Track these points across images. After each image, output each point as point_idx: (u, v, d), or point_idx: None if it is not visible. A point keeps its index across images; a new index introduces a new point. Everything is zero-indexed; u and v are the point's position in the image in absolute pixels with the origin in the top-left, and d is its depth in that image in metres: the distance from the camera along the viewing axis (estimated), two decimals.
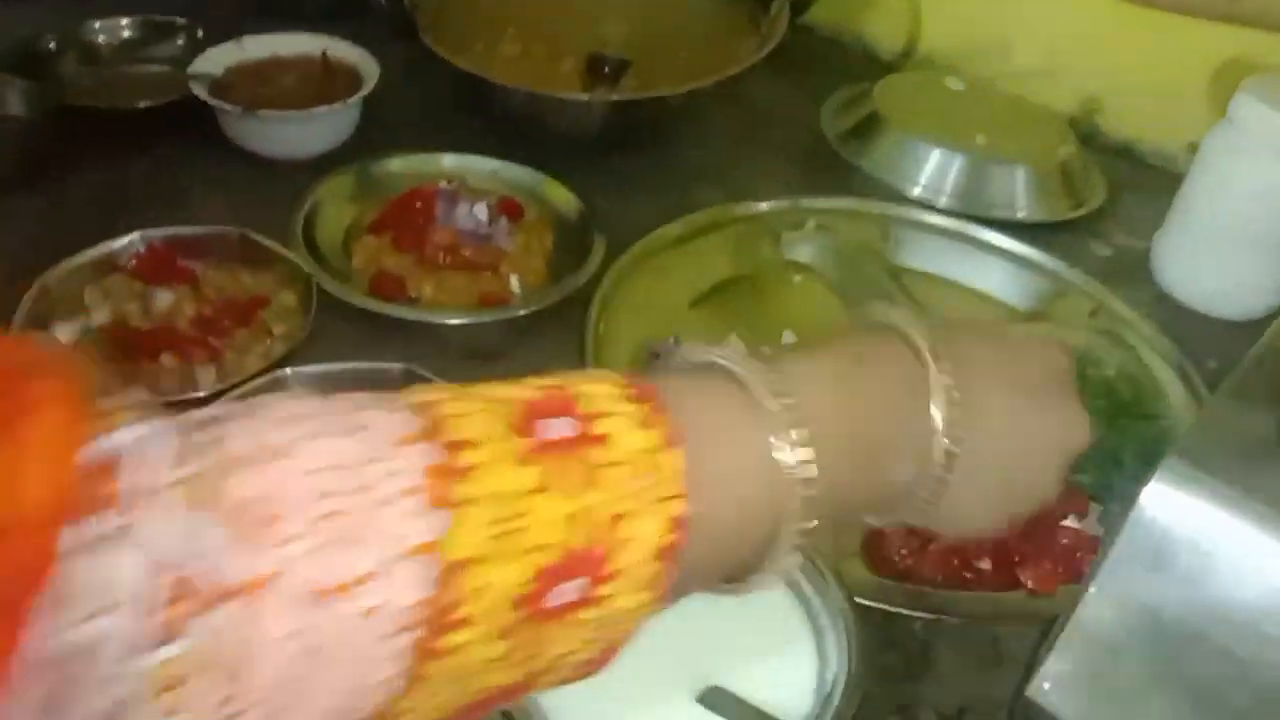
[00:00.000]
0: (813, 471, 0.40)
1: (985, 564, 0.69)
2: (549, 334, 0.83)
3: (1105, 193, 1.07)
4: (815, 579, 0.61)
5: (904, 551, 0.69)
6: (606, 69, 0.92)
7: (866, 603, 0.64)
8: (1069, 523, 0.71)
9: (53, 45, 1.03)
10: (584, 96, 0.93)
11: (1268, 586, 0.46)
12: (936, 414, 0.44)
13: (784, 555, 0.41)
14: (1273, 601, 0.46)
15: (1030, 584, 0.68)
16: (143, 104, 0.97)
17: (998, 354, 0.49)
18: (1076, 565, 0.69)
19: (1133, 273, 0.98)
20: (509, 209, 0.88)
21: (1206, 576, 0.48)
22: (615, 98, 0.94)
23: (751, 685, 0.58)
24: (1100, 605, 0.51)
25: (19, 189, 0.92)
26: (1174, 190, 0.96)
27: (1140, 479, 0.73)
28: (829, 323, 0.90)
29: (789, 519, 0.40)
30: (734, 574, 0.43)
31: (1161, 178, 1.11)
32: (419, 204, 0.86)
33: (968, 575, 0.68)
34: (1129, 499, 0.50)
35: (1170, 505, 0.49)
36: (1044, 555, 0.69)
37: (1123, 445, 0.77)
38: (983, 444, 0.46)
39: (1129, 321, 0.91)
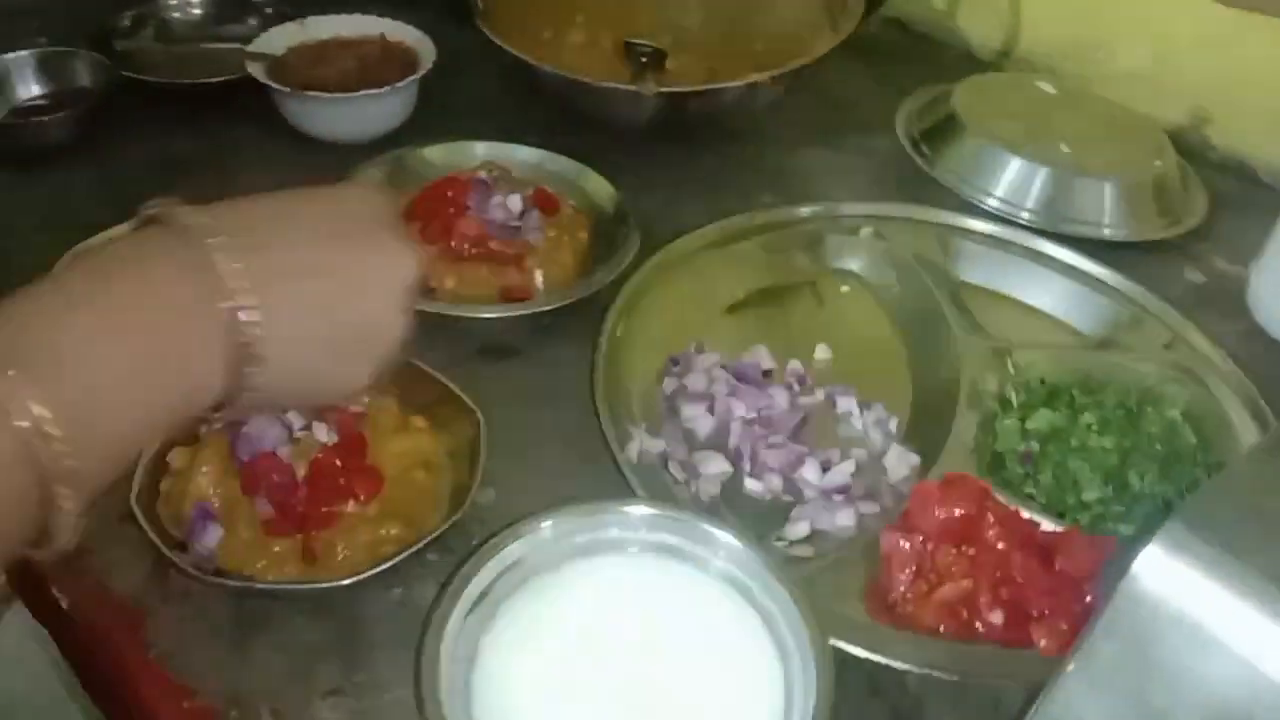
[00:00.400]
0: (55, 431, 0.38)
1: (997, 617, 0.63)
2: (570, 332, 0.80)
3: (1205, 212, 0.97)
4: (792, 617, 0.57)
5: (908, 596, 0.64)
6: (644, 59, 0.88)
7: (854, 651, 0.59)
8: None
9: (128, 21, 1.05)
10: (630, 87, 0.89)
11: (1262, 679, 0.40)
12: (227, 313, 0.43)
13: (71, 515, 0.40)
14: (1268, 697, 0.40)
15: (1043, 643, 0.61)
16: (202, 80, 0.98)
17: (289, 221, 0.48)
18: None
19: (1225, 302, 0.90)
20: (543, 202, 0.86)
21: (1197, 661, 0.42)
22: (665, 89, 0.90)
23: None
24: (1079, 686, 0.45)
25: (78, 157, 0.94)
26: None
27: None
28: (871, 338, 0.85)
29: (55, 482, 0.39)
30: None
31: (1272, 198, 1.01)
32: (450, 193, 0.84)
33: (974, 627, 0.63)
34: (1125, 564, 0.44)
35: (1164, 576, 0.43)
36: (1063, 614, 0.62)
37: (1176, 495, 0.70)
38: (294, 316, 0.46)
39: (1208, 357, 0.82)
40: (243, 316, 0.44)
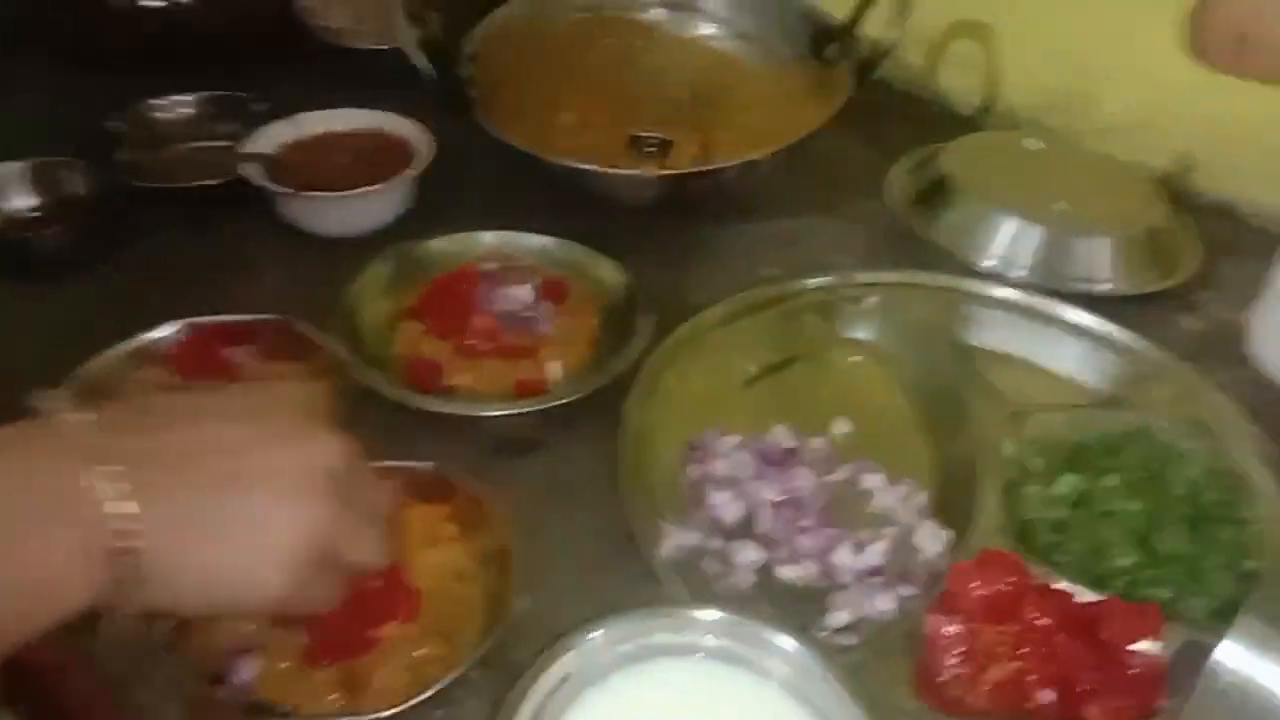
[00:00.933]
0: None
1: (1049, 696, 0.63)
2: (587, 423, 0.80)
3: (1200, 259, 0.99)
4: (847, 709, 0.56)
5: (957, 680, 0.63)
6: (651, 149, 0.89)
7: None
8: (1141, 646, 0.64)
9: (116, 124, 1.04)
10: (635, 172, 0.90)
11: None
12: (104, 509, 0.40)
13: None
14: None
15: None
16: (198, 183, 0.97)
17: (188, 418, 0.46)
18: (1150, 698, 0.62)
19: (1227, 349, 0.91)
20: (552, 291, 0.86)
21: None
22: (668, 173, 0.90)
23: None
24: None
25: (77, 268, 0.93)
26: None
27: (1226, 596, 0.68)
28: (887, 409, 0.85)
29: None
30: None
31: (1265, 240, 1.03)
32: (459, 287, 0.84)
33: (1026, 709, 0.62)
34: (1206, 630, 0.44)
35: (1245, 665, 0.43)
36: (1113, 688, 0.62)
37: (1205, 556, 0.70)
38: (195, 509, 0.43)
39: (1218, 408, 0.83)
40: (116, 525, 0.41)
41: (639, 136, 0.90)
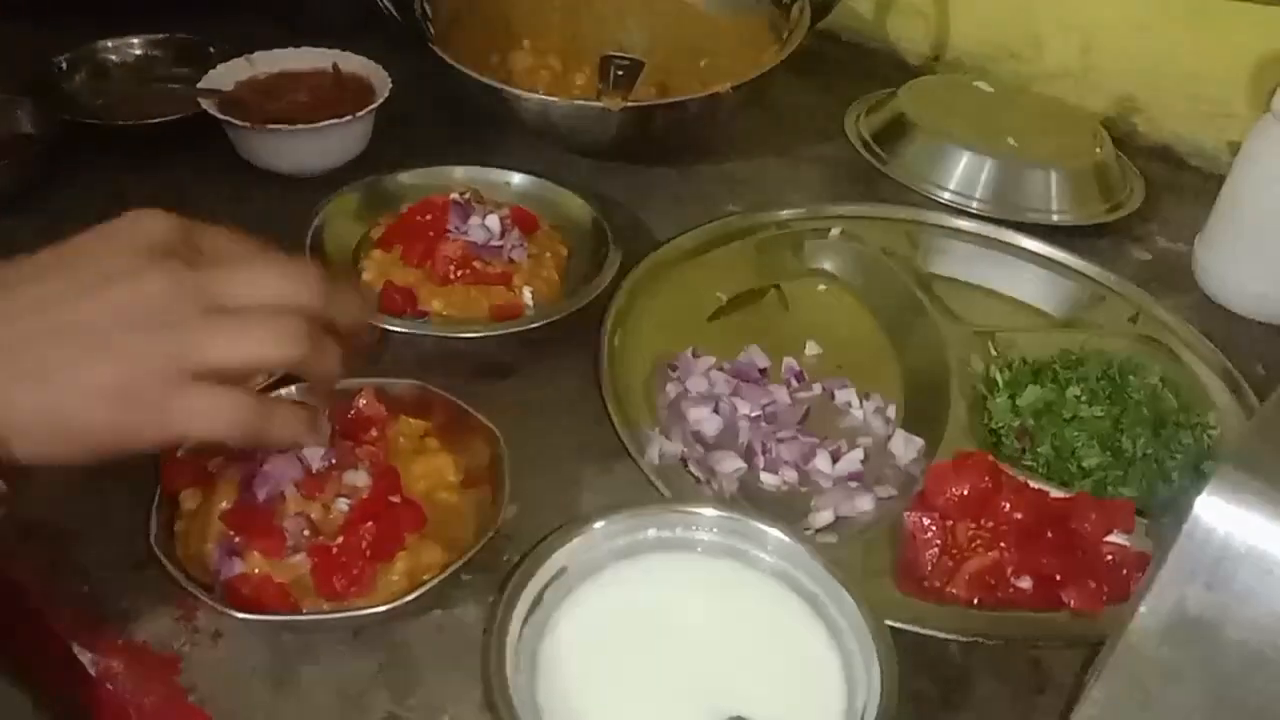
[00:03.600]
0: None
1: (1025, 583, 0.65)
2: (562, 347, 0.80)
3: (1143, 195, 1.03)
4: (841, 599, 0.58)
5: (937, 572, 0.65)
6: (620, 72, 0.89)
7: (898, 625, 0.61)
8: (1114, 538, 0.67)
9: (64, 65, 1.02)
10: (598, 103, 0.90)
11: None
12: None
13: None
14: None
15: (1073, 604, 0.64)
16: (151, 120, 0.95)
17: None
18: (1123, 583, 0.64)
19: (1174, 277, 0.94)
20: (522, 220, 0.86)
21: (1268, 593, 0.44)
22: (632, 104, 0.91)
23: (776, 713, 0.54)
24: (1152, 625, 0.47)
25: (27, 207, 0.90)
26: (1214, 192, 0.91)
27: (1189, 491, 0.70)
28: (855, 332, 0.87)
29: None
30: None
31: (1201, 179, 1.07)
32: (429, 216, 0.83)
33: (1005, 595, 0.64)
34: (1180, 510, 0.46)
35: (1227, 516, 0.45)
36: (1087, 573, 0.64)
37: (1169, 456, 0.73)
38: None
39: (1171, 327, 0.87)
40: None
41: (610, 57, 0.90)
